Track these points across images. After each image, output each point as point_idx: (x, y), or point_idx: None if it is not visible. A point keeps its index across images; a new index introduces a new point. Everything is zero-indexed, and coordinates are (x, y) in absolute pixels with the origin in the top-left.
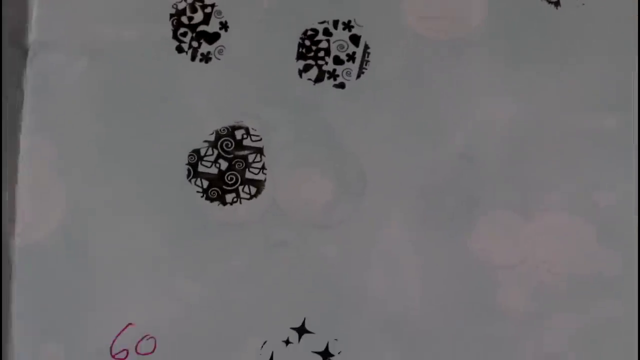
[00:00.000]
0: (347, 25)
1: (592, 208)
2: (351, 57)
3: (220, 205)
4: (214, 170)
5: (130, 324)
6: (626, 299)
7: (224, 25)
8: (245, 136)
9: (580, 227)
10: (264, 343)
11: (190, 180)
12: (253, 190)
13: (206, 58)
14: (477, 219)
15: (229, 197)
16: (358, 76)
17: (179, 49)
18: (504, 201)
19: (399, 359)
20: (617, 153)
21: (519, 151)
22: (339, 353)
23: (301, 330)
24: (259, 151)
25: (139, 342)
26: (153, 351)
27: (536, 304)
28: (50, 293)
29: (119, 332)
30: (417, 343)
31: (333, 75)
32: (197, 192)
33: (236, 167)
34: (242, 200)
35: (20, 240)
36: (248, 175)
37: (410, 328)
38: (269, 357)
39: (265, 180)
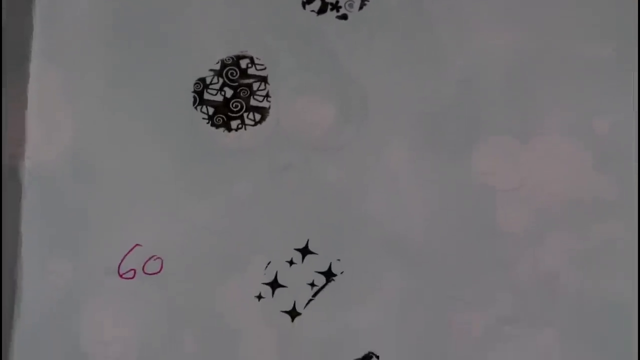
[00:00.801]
0: None
1: (590, 134)
2: None
3: (226, 132)
4: (219, 98)
5: (137, 244)
6: (624, 222)
7: None
8: (250, 65)
9: (579, 152)
10: (269, 263)
11: (196, 107)
12: (257, 116)
13: None
14: (477, 144)
15: (234, 124)
16: (360, 8)
17: None
18: (503, 126)
19: (400, 278)
20: (615, 80)
21: (519, 77)
22: (341, 273)
23: (305, 251)
24: (263, 79)
25: (146, 262)
26: (160, 271)
27: (534, 225)
28: (58, 213)
29: (126, 252)
30: (417, 262)
31: (336, 6)
32: (203, 118)
33: (241, 94)
34: (246, 126)
35: (29, 162)
36: (253, 102)
37: (411, 248)
38: (273, 277)
39: (269, 107)
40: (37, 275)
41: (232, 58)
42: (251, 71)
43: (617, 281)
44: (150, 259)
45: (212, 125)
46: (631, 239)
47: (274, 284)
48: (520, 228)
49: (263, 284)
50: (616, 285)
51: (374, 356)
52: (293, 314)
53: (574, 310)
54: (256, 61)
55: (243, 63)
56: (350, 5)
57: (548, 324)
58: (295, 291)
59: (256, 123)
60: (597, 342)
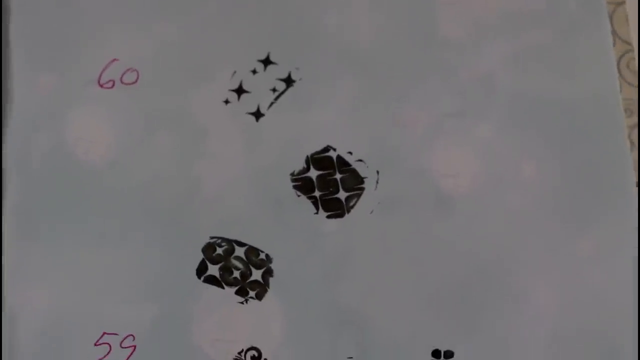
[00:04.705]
0: None
1: None
2: None
3: None
4: None
5: (115, 59)
6: (552, 28)
7: None
8: None
9: None
10: (234, 72)
11: None
12: None
13: None
14: None
15: None
16: None
17: None
18: None
19: (352, 82)
20: None
21: None
22: (300, 79)
23: (266, 62)
24: None
25: (123, 73)
26: (136, 81)
27: (473, 33)
28: (44, 33)
29: (105, 65)
30: (368, 68)
31: None
32: None
33: None
34: None
35: None
36: None
37: (362, 56)
38: (239, 84)
39: None
40: (26, 87)
41: None
42: None
43: (545, 79)
44: (127, 71)
45: None
46: (557, 44)
47: (240, 90)
48: (460, 36)
49: (230, 90)
50: (544, 83)
51: (331, 149)
52: (257, 114)
53: (508, 106)
54: None
55: None
56: None
57: (486, 119)
58: (259, 96)
59: None
60: (528, 134)
